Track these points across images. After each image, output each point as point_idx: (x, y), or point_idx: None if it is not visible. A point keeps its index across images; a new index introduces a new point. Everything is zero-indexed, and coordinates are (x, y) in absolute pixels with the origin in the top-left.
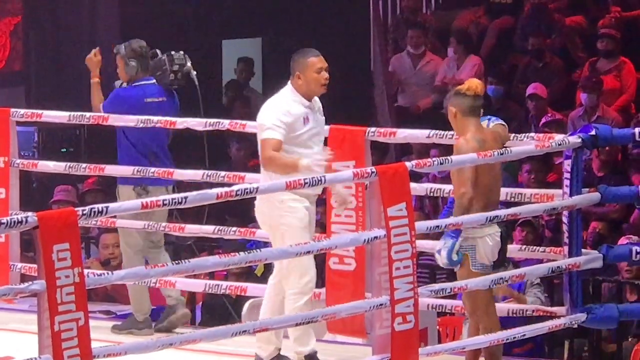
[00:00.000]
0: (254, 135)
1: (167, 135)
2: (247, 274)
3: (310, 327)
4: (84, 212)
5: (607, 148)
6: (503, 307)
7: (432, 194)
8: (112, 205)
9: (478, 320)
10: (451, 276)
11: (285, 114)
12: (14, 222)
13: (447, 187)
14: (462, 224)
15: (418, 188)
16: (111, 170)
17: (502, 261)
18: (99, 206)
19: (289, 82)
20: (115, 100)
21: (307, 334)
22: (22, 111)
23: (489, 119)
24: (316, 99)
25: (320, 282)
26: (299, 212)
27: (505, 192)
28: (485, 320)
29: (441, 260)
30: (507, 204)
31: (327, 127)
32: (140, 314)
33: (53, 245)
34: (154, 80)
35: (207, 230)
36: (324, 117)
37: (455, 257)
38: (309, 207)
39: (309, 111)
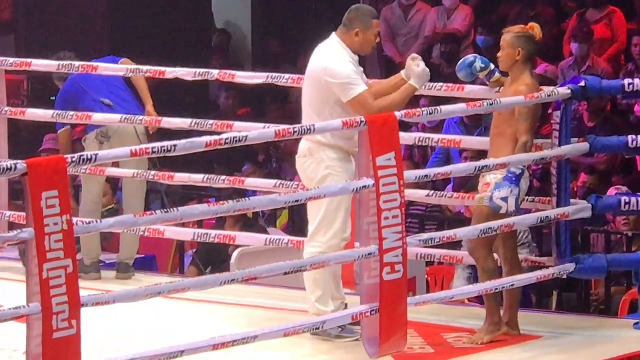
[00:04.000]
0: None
1: (120, 84)
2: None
3: (330, 288)
4: (73, 160)
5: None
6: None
7: (421, 143)
8: (101, 152)
9: (477, 263)
10: (440, 226)
11: (353, 66)
12: (3, 168)
13: (436, 136)
14: (450, 173)
15: (407, 137)
16: (98, 118)
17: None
18: (88, 153)
19: (336, 35)
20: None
21: (327, 294)
22: (11, 60)
23: (495, 70)
24: None
25: None
26: (347, 173)
27: None
28: (512, 261)
29: (508, 208)
30: None
31: None
32: (87, 257)
33: (42, 193)
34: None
35: (196, 178)
36: None
37: (518, 205)
38: (354, 165)
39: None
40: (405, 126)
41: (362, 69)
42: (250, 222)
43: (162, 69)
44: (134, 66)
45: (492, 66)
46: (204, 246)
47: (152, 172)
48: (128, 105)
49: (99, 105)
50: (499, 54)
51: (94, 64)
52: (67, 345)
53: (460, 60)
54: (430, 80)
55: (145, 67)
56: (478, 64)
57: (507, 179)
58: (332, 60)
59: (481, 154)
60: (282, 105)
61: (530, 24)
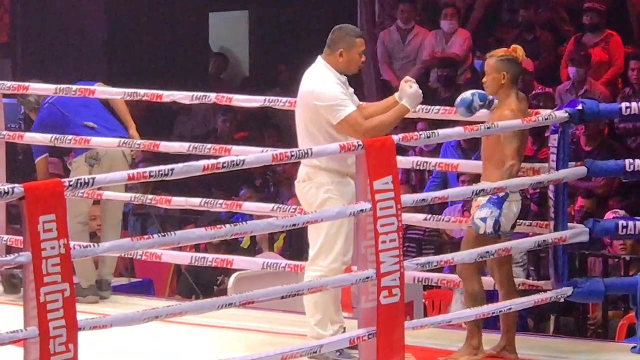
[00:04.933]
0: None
1: (100, 107)
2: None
3: (330, 311)
4: (71, 183)
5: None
6: (489, 281)
7: (418, 167)
8: (98, 176)
9: (464, 284)
10: (438, 250)
11: (341, 87)
12: (1, 192)
13: (434, 161)
14: (448, 197)
15: (404, 161)
16: (97, 142)
17: (512, 228)
18: (86, 177)
19: (322, 58)
20: None
21: (327, 318)
22: (9, 83)
23: (493, 99)
24: None
25: (307, 254)
26: (347, 196)
27: None
28: (507, 287)
29: (485, 229)
30: None
31: None
32: (85, 281)
33: (39, 216)
34: None
35: (193, 202)
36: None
37: (497, 227)
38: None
39: (348, 87)
40: (402, 150)
41: (352, 90)
42: (234, 247)
43: (160, 92)
44: (131, 90)
45: (490, 97)
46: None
47: (150, 196)
48: (113, 126)
49: (84, 129)
50: (484, 80)
51: (91, 87)
52: None
53: (459, 98)
54: (428, 104)
55: (142, 91)
56: (476, 102)
57: (489, 200)
58: (319, 83)
59: (479, 177)
60: (278, 129)
61: (513, 46)
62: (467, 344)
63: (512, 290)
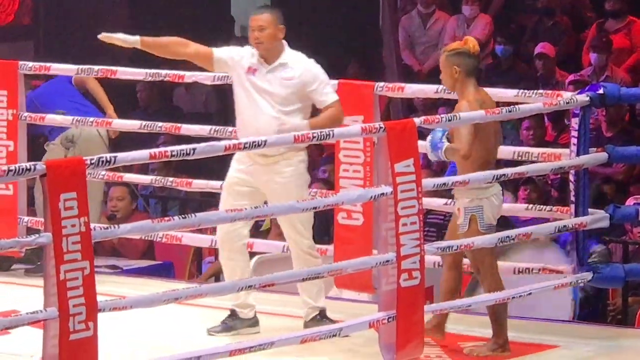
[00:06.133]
0: None
1: (76, 93)
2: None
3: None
4: (92, 162)
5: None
6: (509, 267)
7: None
8: (120, 155)
9: (482, 279)
10: None
11: (233, 49)
12: (22, 169)
13: None
14: (468, 182)
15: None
16: (118, 124)
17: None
18: (107, 155)
19: None
20: None
21: (321, 289)
22: (31, 64)
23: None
24: (292, 63)
25: (328, 237)
26: (228, 173)
27: (511, 151)
28: (489, 280)
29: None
30: (515, 163)
31: (335, 82)
32: None
33: (60, 194)
34: None
35: (214, 185)
36: (290, 81)
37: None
38: (246, 170)
39: (259, 66)
40: (423, 136)
41: (290, 68)
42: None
43: (182, 73)
44: (153, 70)
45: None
46: None
47: (171, 179)
48: (85, 109)
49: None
50: (440, 76)
51: (113, 68)
52: (83, 347)
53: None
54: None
55: (164, 71)
56: (436, 137)
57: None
58: None
59: (499, 162)
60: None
61: (465, 38)
62: (494, 341)
63: (495, 285)
